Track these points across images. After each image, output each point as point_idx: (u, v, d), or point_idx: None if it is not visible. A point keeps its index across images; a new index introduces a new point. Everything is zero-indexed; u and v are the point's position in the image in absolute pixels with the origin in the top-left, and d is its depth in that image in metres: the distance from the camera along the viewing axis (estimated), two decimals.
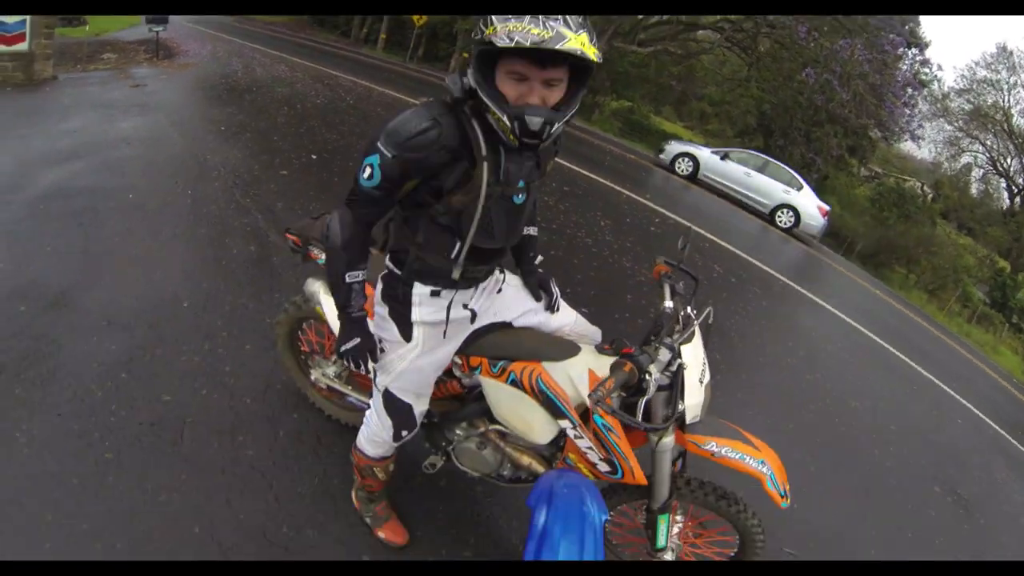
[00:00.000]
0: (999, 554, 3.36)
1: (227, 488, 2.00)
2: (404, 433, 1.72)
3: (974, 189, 28.00)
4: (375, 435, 1.76)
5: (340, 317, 1.52)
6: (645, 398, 1.50)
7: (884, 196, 21.28)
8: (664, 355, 1.51)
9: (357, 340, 1.53)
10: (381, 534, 1.96)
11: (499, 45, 1.15)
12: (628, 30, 17.71)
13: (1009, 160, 24.95)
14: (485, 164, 1.33)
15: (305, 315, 2.17)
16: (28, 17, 7.39)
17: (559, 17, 1.15)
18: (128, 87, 7.86)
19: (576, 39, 1.14)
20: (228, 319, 2.80)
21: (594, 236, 5.61)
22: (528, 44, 1.13)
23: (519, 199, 1.45)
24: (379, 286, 1.60)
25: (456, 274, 1.48)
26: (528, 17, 1.14)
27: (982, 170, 27.03)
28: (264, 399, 2.40)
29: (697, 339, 1.64)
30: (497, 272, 1.73)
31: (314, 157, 5.01)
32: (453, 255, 1.45)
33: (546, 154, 1.49)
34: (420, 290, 1.53)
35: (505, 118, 1.23)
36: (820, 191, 19.91)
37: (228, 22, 19.88)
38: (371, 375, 1.70)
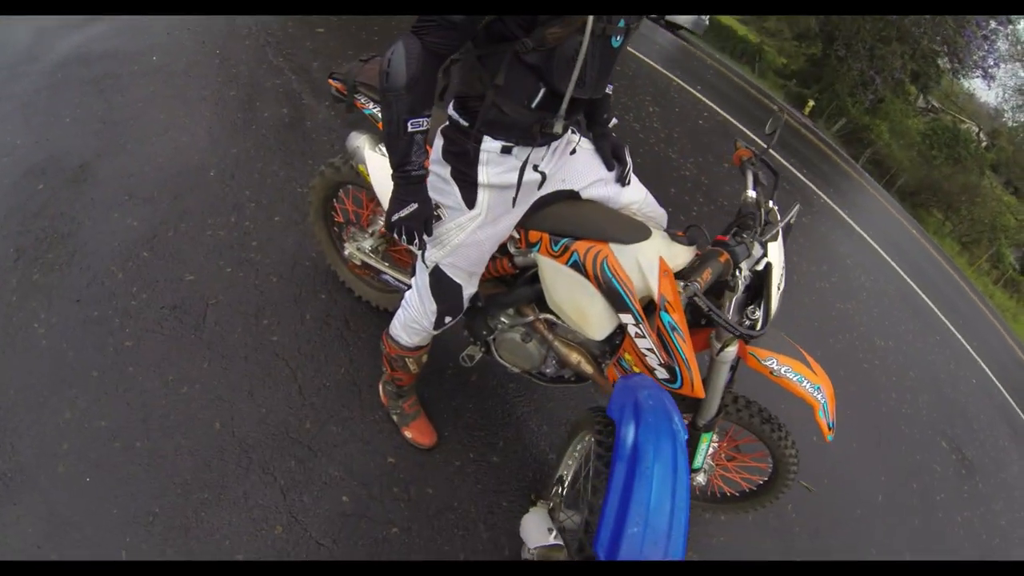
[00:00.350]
0: (991, 521, 3.39)
1: (250, 377, 1.94)
2: (448, 320, 1.55)
3: None
4: (414, 320, 1.60)
5: (395, 177, 1.27)
6: (735, 296, 1.36)
7: (937, 134, 20.00)
8: (757, 251, 1.35)
9: (414, 206, 1.28)
10: (408, 434, 1.91)
11: None
12: None
13: None
14: None
15: (344, 179, 1.93)
16: None
17: None
18: None
19: None
20: (257, 188, 2.65)
21: (642, 122, 5.30)
22: None
23: (616, 42, 1.21)
24: (438, 142, 1.37)
25: (558, 127, 1.25)
26: None
27: None
28: (291, 277, 2.31)
29: (780, 239, 1.46)
30: (570, 132, 1.49)
31: None
32: (535, 103, 1.23)
33: None
34: (489, 145, 1.30)
35: None
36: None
37: None
38: (418, 250, 1.47)
